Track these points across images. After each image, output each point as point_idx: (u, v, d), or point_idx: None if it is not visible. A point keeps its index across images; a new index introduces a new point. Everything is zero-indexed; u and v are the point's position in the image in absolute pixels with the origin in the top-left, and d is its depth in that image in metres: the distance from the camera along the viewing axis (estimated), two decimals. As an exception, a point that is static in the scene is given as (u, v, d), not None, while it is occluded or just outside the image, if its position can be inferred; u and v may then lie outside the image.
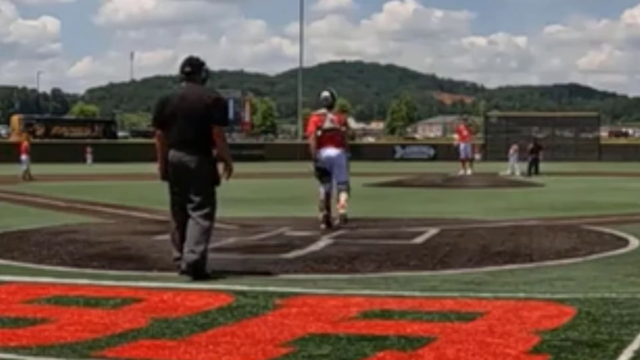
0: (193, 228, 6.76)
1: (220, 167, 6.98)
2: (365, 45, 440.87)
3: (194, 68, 7.11)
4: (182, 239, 6.84)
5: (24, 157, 29.32)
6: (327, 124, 11.01)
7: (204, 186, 6.82)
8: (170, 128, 6.90)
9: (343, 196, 11.02)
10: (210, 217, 6.84)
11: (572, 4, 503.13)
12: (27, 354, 4.19)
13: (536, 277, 6.76)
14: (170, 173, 6.92)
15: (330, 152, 10.99)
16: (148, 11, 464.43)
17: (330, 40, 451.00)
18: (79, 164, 43.11)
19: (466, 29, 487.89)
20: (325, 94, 11.24)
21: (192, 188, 6.81)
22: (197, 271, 6.66)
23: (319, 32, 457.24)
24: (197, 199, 6.79)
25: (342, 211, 10.93)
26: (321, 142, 11.00)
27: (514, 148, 31.93)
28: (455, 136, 31.74)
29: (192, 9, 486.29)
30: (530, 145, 32.11)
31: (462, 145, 29.64)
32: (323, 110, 11.16)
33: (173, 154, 6.87)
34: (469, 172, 28.41)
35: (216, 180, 6.91)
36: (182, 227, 6.88)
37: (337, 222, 10.77)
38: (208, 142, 6.84)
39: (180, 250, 6.85)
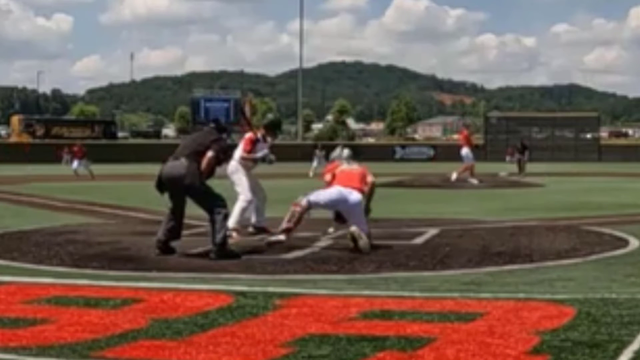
0: (211, 224, 8.13)
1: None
2: (371, 45, 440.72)
3: (220, 129, 8.73)
4: (166, 226, 8.27)
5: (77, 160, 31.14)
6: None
7: (191, 189, 8.17)
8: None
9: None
10: (217, 205, 8.13)
11: (576, 3, 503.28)
12: (27, 354, 4.19)
13: (536, 278, 6.76)
14: (163, 179, 8.27)
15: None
16: (154, 10, 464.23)
17: (337, 40, 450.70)
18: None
19: (469, 29, 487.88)
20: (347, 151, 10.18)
21: (183, 192, 8.24)
22: (221, 255, 7.96)
23: (328, 31, 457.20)
24: (195, 201, 8.24)
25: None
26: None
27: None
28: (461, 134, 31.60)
29: (200, 8, 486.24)
30: (518, 145, 32.56)
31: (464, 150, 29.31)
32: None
33: (166, 163, 8.33)
34: (454, 176, 28.26)
35: (198, 183, 8.19)
36: (172, 218, 8.29)
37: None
38: (196, 158, 8.19)
39: (163, 233, 8.25)
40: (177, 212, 8.38)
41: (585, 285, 6.39)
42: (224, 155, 8.71)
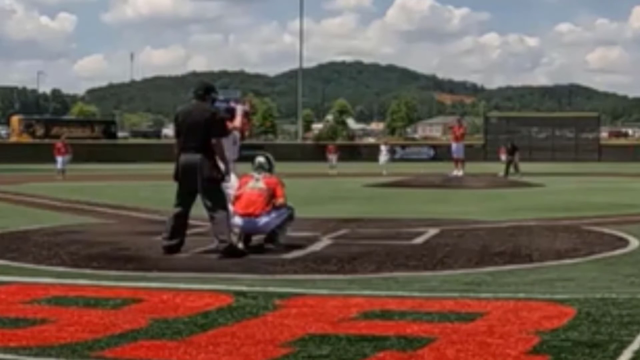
0: (214, 223, 8.21)
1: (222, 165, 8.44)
2: (373, 45, 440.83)
3: (205, 91, 8.65)
4: (176, 227, 8.26)
5: (60, 158, 30.48)
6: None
7: (208, 182, 8.20)
8: (180, 136, 8.49)
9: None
10: (221, 207, 8.22)
11: (579, 3, 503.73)
12: (27, 354, 4.19)
13: (536, 278, 6.76)
14: (179, 172, 8.34)
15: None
16: (157, 10, 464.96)
17: (339, 40, 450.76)
18: (77, 164, 43.04)
19: (472, 28, 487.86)
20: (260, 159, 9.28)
21: (199, 184, 8.20)
22: (231, 254, 7.99)
23: (330, 30, 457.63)
24: (205, 194, 8.22)
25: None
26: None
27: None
28: (450, 136, 32.01)
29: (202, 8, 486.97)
30: (508, 146, 32.91)
31: (454, 146, 29.65)
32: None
33: (182, 156, 8.35)
34: (460, 172, 28.38)
35: (218, 177, 8.32)
36: (179, 217, 8.29)
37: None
38: (209, 148, 8.31)
39: (169, 237, 8.25)
40: (182, 207, 8.40)
41: (585, 285, 6.38)
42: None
